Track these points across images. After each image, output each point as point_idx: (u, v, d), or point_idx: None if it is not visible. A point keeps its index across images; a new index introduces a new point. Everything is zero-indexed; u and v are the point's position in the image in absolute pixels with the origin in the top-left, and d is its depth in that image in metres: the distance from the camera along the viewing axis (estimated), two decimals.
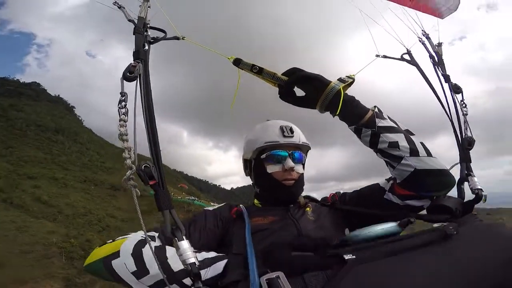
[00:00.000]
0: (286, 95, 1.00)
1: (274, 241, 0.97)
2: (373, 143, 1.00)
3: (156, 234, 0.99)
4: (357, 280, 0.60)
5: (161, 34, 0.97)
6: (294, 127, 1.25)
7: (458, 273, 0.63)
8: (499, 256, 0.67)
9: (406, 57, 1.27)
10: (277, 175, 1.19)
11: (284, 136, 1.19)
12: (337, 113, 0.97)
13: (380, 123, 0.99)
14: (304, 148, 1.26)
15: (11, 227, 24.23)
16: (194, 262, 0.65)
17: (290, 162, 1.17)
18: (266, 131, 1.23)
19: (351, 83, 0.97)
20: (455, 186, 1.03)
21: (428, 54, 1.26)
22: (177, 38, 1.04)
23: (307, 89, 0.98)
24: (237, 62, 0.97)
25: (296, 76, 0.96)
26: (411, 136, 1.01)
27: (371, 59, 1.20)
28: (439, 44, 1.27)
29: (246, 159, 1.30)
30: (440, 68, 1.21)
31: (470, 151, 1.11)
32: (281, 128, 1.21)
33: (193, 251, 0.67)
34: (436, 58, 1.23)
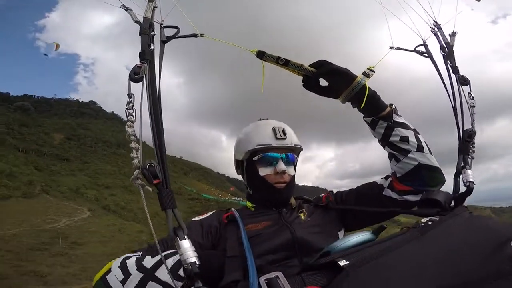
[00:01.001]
0: (312, 85, 1.02)
1: (269, 247, 1.02)
2: (385, 135, 1.07)
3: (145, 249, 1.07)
4: (359, 282, 0.61)
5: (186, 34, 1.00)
6: (287, 128, 1.24)
7: (444, 259, 0.64)
8: (484, 246, 0.67)
9: (421, 49, 1.25)
10: (269, 178, 1.19)
11: (277, 138, 1.19)
12: (362, 106, 1.01)
13: (396, 118, 1.06)
14: (296, 150, 1.27)
15: (114, 229, 29.55)
16: (195, 262, 0.65)
17: (282, 165, 1.18)
18: (258, 133, 1.22)
19: (372, 75, 1.01)
20: (452, 179, 1.06)
21: (439, 45, 1.23)
22: (195, 35, 1.03)
23: (333, 81, 1.01)
24: (261, 55, 0.95)
25: (326, 69, 0.98)
26: (418, 135, 1.08)
27: (386, 52, 1.21)
28: (453, 34, 1.23)
29: (238, 160, 1.30)
30: (450, 60, 1.19)
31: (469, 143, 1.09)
32: (274, 130, 1.21)
33: (194, 251, 0.67)
34: (446, 50, 1.20)
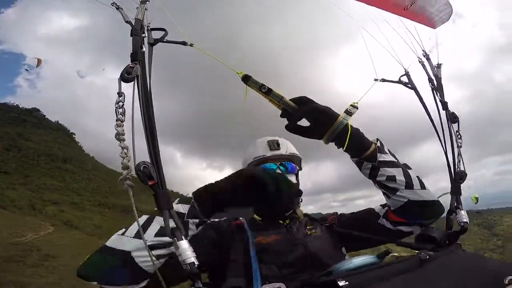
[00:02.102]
0: (293, 126, 1.00)
1: (284, 262, 1.02)
2: (372, 175, 1.06)
3: None
4: None
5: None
6: (281, 140, 1.31)
7: None
8: (477, 285, 0.71)
9: (404, 79, 1.25)
10: None
11: (271, 149, 1.26)
12: (344, 147, 0.99)
13: (381, 157, 1.04)
14: (295, 159, 1.31)
15: (81, 242, 27.93)
16: (193, 262, 0.65)
17: None
18: (254, 148, 1.30)
19: (355, 112, 1.00)
20: (445, 216, 1.10)
21: (427, 77, 1.23)
22: (184, 43, 1.01)
23: (315, 120, 0.99)
24: (247, 79, 0.94)
25: (307, 109, 0.97)
26: (408, 170, 1.07)
27: (370, 84, 1.19)
28: (439, 66, 1.25)
29: None
30: (438, 94, 1.20)
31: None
32: (268, 143, 1.28)
33: (193, 251, 0.66)
34: (435, 82, 1.21)
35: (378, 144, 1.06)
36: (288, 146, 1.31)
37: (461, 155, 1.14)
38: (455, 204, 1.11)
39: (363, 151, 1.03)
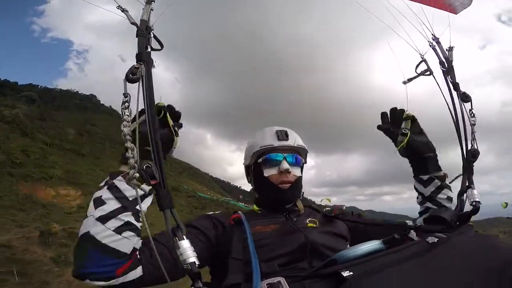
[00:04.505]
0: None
1: (283, 251, 1.01)
2: (434, 193, 1.19)
3: None
4: None
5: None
6: (290, 131, 1.27)
7: (447, 279, 0.64)
8: (489, 265, 0.67)
9: (420, 67, 1.26)
10: (273, 179, 1.20)
11: (279, 139, 1.23)
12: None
13: (447, 181, 1.20)
14: (302, 152, 1.29)
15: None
16: (194, 262, 0.65)
17: (285, 165, 1.19)
18: (262, 136, 1.26)
19: (415, 120, 1.20)
20: (455, 197, 1.12)
21: (438, 61, 1.22)
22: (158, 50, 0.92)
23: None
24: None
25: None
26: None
27: (401, 87, 1.25)
28: (450, 49, 1.22)
29: (246, 166, 1.33)
30: (450, 76, 1.19)
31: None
32: (276, 132, 1.25)
33: (193, 251, 0.67)
34: (446, 65, 1.20)
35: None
36: (297, 137, 1.28)
37: (474, 133, 1.11)
38: (467, 184, 1.08)
39: (437, 171, 1.20)
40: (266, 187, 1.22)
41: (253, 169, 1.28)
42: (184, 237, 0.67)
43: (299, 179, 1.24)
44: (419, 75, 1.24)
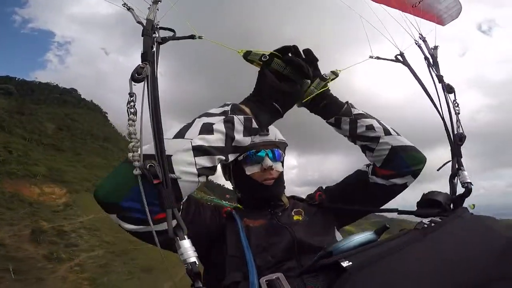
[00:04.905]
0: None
1: (266, 247, 0.99)
2: (352, 129, 1.11)
3: None
4: (361, 285, 0.59)
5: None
6: (270, 126, 1.20)
7: (447, 261, 0.64)
8: (485, 247, 0.68)
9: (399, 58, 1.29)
10: (256, 176, 1.16)
11: (260, 134, 1.17)
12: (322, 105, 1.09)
13: (355, 111, 1.13)
14: (282, 146, 1.25)
15: None
16: (195, 262, 0.65)
17: (268, 161, 1.15)
18: None
19: (334, 78, 1.07)
20: (448, 181, 1.08)
21: (423, 56, 1.28)
22: (192, 37, 1.00)
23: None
24: (247, 54, 0.94)
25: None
26: (380, 121, 1.13)
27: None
28: (435, 47, 1.28)
29: (224, 164, 1.23)
30: (434, 69, 1.23)
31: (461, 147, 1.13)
32: None
33: (194, 251, 0.67)
34: (431, 60, 1.25)
35: (350, 102, 1.14)
36: (277, 132, 1.25)
37: (459, 121, 1.14)
38: (457, 167, 1.07)
39: (339, 109, 1.11)
40: (249, 186, 1.19)
41: (232, 167, 1.22)
42: (185, 236, 0.67)
43: (281, 174, 1.22)
44: (392, 60, 1.28)
